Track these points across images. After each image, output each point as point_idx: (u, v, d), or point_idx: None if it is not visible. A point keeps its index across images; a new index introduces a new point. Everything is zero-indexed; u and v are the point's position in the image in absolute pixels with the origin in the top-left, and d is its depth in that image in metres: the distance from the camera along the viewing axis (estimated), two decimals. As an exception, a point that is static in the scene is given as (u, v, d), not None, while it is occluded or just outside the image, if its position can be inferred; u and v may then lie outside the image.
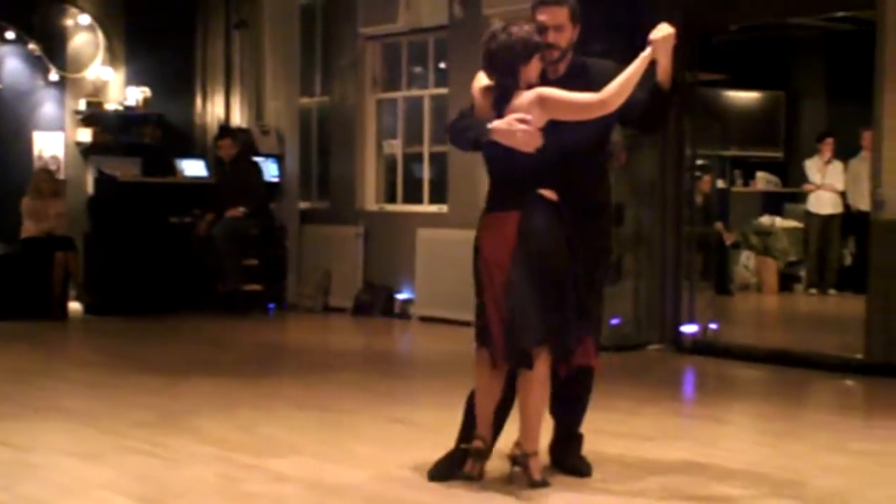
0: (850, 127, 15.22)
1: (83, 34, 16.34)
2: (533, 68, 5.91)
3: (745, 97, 17.83)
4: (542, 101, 5.82)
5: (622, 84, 5.79)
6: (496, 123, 5.81)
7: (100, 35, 16.28)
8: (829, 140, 16.08)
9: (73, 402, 8.57)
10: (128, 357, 11.01)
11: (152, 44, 16.32)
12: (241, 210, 14.07)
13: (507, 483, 5.93)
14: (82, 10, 16.23)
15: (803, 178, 16.36)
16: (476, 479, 5.94)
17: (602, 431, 7.60)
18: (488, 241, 5.99)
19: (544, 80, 5.98)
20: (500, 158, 5.92)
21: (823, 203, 16.04)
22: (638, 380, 9.94)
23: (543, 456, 6.16)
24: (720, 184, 16.72)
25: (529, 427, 5.91)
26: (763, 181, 18.11)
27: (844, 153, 15.75)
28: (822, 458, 7.00)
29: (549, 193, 5.90)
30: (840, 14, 13.27)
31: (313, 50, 15.45)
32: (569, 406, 6.37)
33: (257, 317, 14.16)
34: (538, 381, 5.89)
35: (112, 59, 16.39)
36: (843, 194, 15.96)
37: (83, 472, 6.39)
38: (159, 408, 8.24)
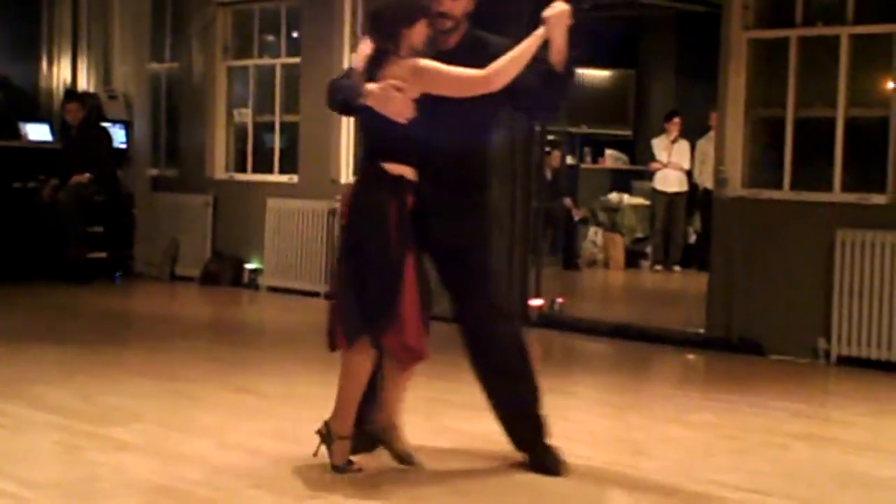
0: (699, 107, 15.50)
1: (-76, -7, 15.94)
2: (417, 33, 5.53)
3: (595, 75, 18.05)
4: (417, 72, 5.46)
5: (510, 61, 5.44)
6: (371, 86, 5.45)
7: (-58, -6, 15.89)
8: (676, 119, 16.32)
9: None
10: (-33, 324, 10.78)
11: (-3, 5, 15.99)
12: (86, 176, 13.83)
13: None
14: (-77, -32, 15.84)
15: (651, 157, 16.62)
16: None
17: (447, 402, 7.68)
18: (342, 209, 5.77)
19: (434, 51, 5.60)
20: (369, 124, 5.62)
21: (669, 181, 16.31)
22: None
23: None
24: (569, 160, 16.91)
25: (343, 411, 5.72)
26: (611, 158, 18.37)
27: (693, 132, 16.03)
28: (661, 429, 7.14)
29: (396, 167, 5.56)
30: (689, -5, 13.55)
31: (163, 15, 15.22)
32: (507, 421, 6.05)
33: (103, 285, 13.94)
34: (357, 369, 5.67)
35: (-46, 19, 16.01)
36: (688, 173, 16.24)
37: (-83, 440, 6.27)
38: (2, 376, 8.08)
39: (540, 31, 5.53)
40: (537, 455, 5.89)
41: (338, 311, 5.61)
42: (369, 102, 5.44)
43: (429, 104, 5.48)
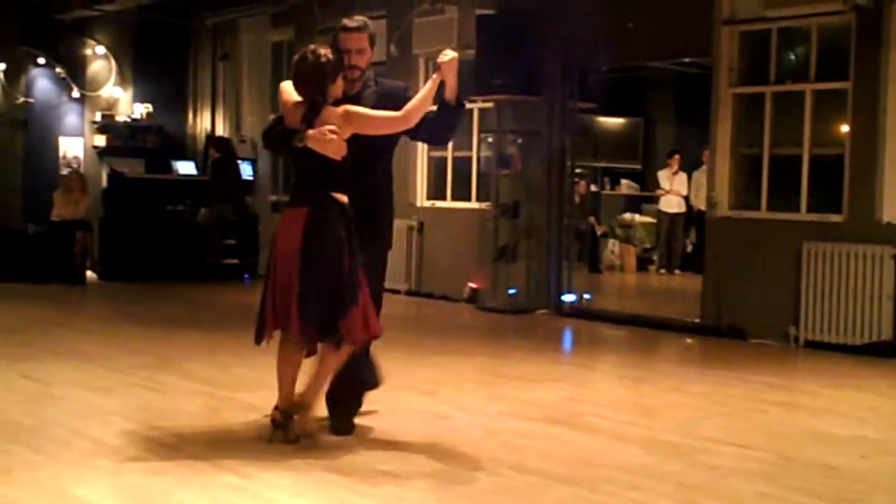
0: (693, 146, 15.39)
1: (99, 61, 16.15)
2: (338, 86, 5.31)
3: (612, 122, 17.95)
4: (349, 117, 5.20)
5: (419, 102, 5.25)
6: (311, 132, 5.16)
7: (113, 62, 16.10)
8: (677, 156, 16.22)
9: (88, 347, 8.44)
10: (132, 313, 10.87)
11: (154, 70, 16.20)
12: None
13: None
14: (99, 42, 16.07)
15: (656, 185, 16.51)
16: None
17: (501, 375, 7.66)
18: (281, 232, 5.28)
19: (342, 96, 5.36)
20: (307, 162, 5.23)
21: (671, 204, 16.20)
22: (528, 336, 9.99)
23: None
24: (593, 188, 16.83)
25: (319, 388, 5.41)
26: (626, 186, 18.26)
27: (690, 166, 15.92)
28: (666, 397, 7.07)
29: (339, 196, 5.24)
30: (686, 60, 13.45)
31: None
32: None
33: (235, 284, 14.05)
34: (340, 356, 5.37)
35: (122, 81, 16.22)
36: (686, 198, 16.13)
37: (96, 402, 6.31)
38: (156, 353, 8.14)
39: (436, 76, 5.33)
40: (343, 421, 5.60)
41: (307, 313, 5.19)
42: (310, 145, 5.16)
43: (349, 140, 5.24)
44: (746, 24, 10.00)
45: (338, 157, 5.18)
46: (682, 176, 16.13)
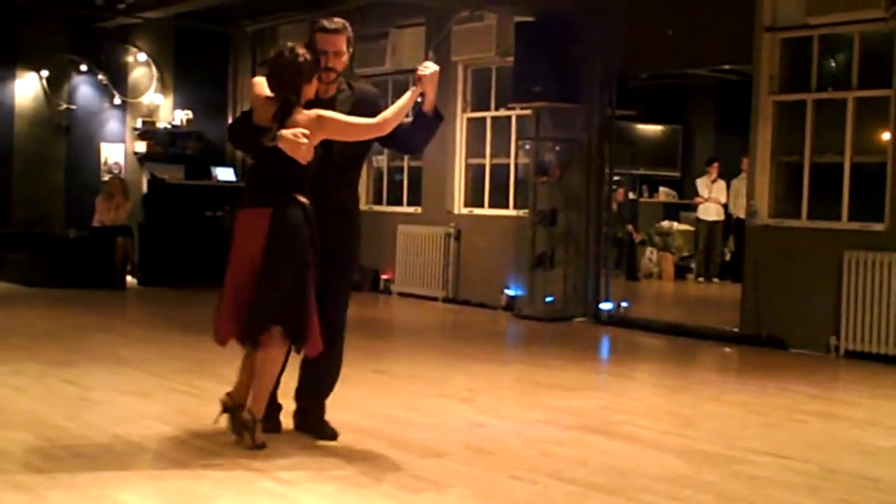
0: (733, 154, 15.31)
1: (141, 68, 16.28)
2: (312, 87, 5.20)
3: (651, 129, 17.88)
4: (322, 122, 5.10)
5: (396, 112, 5.19)
6: (285, 133, 5.04)
7: (154, 69, 16.22)
8: (715, 164, 16.15)
9: (128, 352, 8.50)
10: (171, 319, 10.95)
11: (195, 77, 16.32)
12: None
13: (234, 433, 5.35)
14: (140, 50, 16.20)
15: (695, 193, 16.43)
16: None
17: (538, 383, 7.64)
18: (242, 235, 5.25)
19: (315, 99, 5.26)
20: (271, 162, 5.10)
21: (710, 212, 16.12)
22: (566, 344, 9.96)
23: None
24: (631, 195, 16.77)
25: (261, 398, 5.39)
26: (664, 194, 18.18)
27: (729, 174, 15.84)
28: (705, 406, 7.02)
29: (301, 198, 5.16)
30: (726, 67, 13.38)
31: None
32: (314, 382, 5.71)
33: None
34: (272, 359, 5.40)
35: (163, 88, 16.34)
36: (724, 206, 16.04)
37: (135, 407, 6.36)
38: (195, 358, 8.17)
39: (415, 87, 5.29)
40: (318, 426, 5.64)
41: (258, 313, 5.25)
42: (280, 145, 5.04)
43: (319, 144, 5.17)
44: (788, 31, 9.94)
45: (304, 162, 5.09)
46: (721, 184, 16.05)
